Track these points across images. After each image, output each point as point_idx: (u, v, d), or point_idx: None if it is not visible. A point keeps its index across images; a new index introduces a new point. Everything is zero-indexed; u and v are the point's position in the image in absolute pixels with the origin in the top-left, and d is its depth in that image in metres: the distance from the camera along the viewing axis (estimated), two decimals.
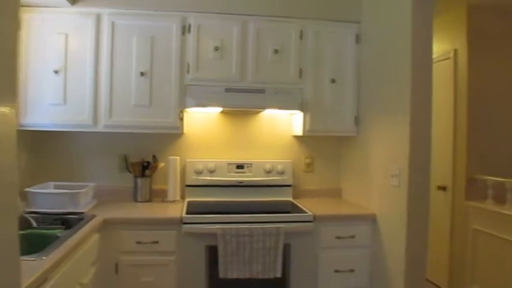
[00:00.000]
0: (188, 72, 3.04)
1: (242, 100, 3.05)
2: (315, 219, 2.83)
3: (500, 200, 3.57)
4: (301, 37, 3.18)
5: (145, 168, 3.23)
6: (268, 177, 3.38)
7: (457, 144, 4.04)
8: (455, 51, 4.07)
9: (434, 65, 4.34)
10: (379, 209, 2.91)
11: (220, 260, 2.66)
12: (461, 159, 3.96)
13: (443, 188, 4.20)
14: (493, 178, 3.66)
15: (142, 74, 2.98)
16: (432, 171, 4.25)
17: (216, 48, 3.05)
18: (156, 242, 2.66)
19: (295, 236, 2.81)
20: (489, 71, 3.97)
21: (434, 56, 4.34)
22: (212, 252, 2.71)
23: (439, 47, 4.30)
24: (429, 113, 2.59)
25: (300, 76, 3.17)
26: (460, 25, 4.02)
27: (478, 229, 3.72)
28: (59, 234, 2.11)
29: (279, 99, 3.08)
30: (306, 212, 2.88)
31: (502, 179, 3.56)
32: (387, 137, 2.84)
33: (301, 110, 3.17)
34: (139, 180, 3.20)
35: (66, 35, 2.91)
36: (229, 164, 3.35)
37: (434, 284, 4.30)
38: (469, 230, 3.84)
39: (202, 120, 3.43)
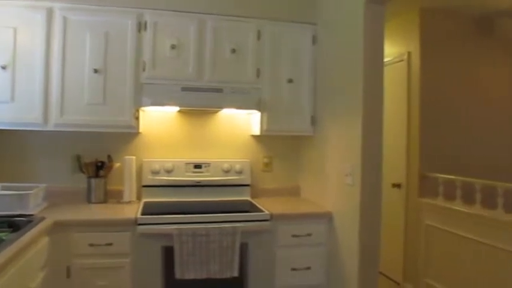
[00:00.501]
0: (144, 70, 2.98)
1: (199, 99, 3.02)
2: (272, 218, 2.84)
3: (450, 196, 3.69)
4: (258, 37, 3.18)
5: (99, 169, 3.15)
6: (226, 176, 3.36)
7: (410, 144, 4.15)
8: (409, 53, 4.19)
9: (389, 67, 4.47)
10: (335, 207, 2.95)
11: (177, 260, 2.63)
12: (414, 157, 4.08)
13: (397, 186, 4.31)
14: (444, 176, 3.79)
15: (95, 71, 2.90)
16: (387, 169, 4.36)
17: (173, 47, 3.01)
18: (110, 244, 2.59)
19: (252, 235, 2.81)
20: (440, 72, 4.11)
21: (389, 58, 4.47)
22: (168, 253, 2.67)
23: (394, 50, 4.41)
24: (380, 113, 2.65)
25: (258, 76, 3.17)
26: (413, 28, 4.13)
27: (430, 224, 3.84)
28: (4, 238, 2.02)
29: (236, 99, 3.07)
30: (263, 211, 2.88)
31: (452, 177, 3.69)
32: (341, 136, 2.88)
33: (259, 109, 3.17)
34: (93, 181, 3.11)
35: (15, 29, 2.78)
36: (187, 163, 3.31)
37: (390, 278, 4.41)
38: (421, 225, 3.96)
39: (159, 119, 3.38)
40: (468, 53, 4.25)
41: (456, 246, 3.53)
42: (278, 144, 3.61)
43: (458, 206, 3.54)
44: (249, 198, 3.37)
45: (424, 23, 4.05)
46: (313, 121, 3.30)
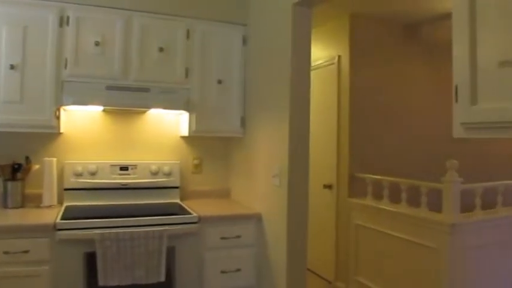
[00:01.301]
0: (66, 67, 2.88)
1: (125, 99, 2.96)
2: (200, 220, 2.84)
3: (379, 196, 3.86)
4: (188, 36, 3.18)
5: (16, 171, 3.00)
6: (154, 179, 3.32)
7: (341, 145, 4.31)
8: (339, 57, 4.34)
9: (321, 70, 4.62)
10: (264, 208, 3.00)
11: (100, 266, 2.56)
12: (345, 159, 4.23)
13: (329, 187, 4.45)
14: (372, 176, 3.96)
15: (12, 67, 2.77)
16: (319, 171, 4.51)
17: (97, 43, 2.93)
18: (27, 252, 2.48)
19: (179, 239, 2.80)
20: (368, 75, 4.30)
21: (320, 61, 4.61)
22: (91, 260, 2.60)
23: (326, 53, 4.55)
24: (307, 115, 2.73)
25: (186, 76, 3.16)
26: (343, 33, 4.29)
27: (360, 224, 4.00)
28: None
29: (164, 99, 3.05)
30: (190, 214, 2.87)
31: (380, 177, 3.87)
32: (270, 137, 2.94)
33: (187, 110, 3.16)
34: (9, 184, 2.96)
35: None
36: (112, 165, 3.24)
37: (322, 277, 4.55)
38: (351, 225, 4.11)
39: (82, 119, 3.28)
40: (395, 58, 4.48)
41: (384, 245, 3.70)
42: (208, 146, 3.62)
43: (385, 205, 3.72)
44: (178, 201, 3.35)
45: (353, 28, 4.22)
46: (243, 122, 3.34)
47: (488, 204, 3.46)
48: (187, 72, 3.17)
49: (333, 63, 4.42)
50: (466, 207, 3.28)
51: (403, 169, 4.38)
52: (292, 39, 2.68)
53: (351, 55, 4.20)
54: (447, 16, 4.11)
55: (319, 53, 4.65)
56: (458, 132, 1.21)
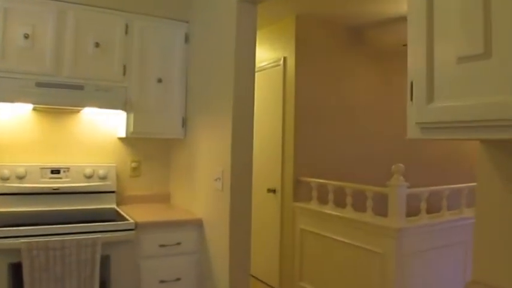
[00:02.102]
0: None
1: (57, 97, 2.80)
2: (137, 227, 2.73)
3: (324, 200, 3.89)
4: (126, 32, 3.06)
5: None
6: (88, 183, 3.17)
7: (285, 149, 4.32)
8: (285, 58, 4.35)
9: (266, 72, 4.61)
10: (206, 213, 2.93)
11: (26, 278, 2.40)
12: (289, 163, 4.25)
13: (273, 191, 4.44)
14: (317, 180, 3.99)
15: None
16: (263, 175, 4.50)
17: (27, 36, 2.76)
18: None
19: (115, 247, 2.68)
20: (314, 78, 4.34)
21: (266, 62, 4.61)
22: (16, 271, 2.42)
23: (271, 54, 4.55)
24: (251, 117, 2.70)
25: (124, 73, 3.05)
26: (289, 34, 4.31)
27: (304, 229, 4.02)
28: None
29: (99, 98, 2.92)
30: (127, 220, 2.76)
31: (325, 181, 3.90)
32: (212, 140, 2.88)
33: (125, 109, 3.04)
34: None
35: None
36: (42, 168, 3.05)
37: (267, 284, 4.52)
38: (296, 230, 4.12)
39: (10, 119, 3.07)
40: (342, 61, 4.55)
41: (329, 250, 3.73)
42: (147, 148, 3.50)
43: (330, 210, 3.75)
44: (114, 206, 3.21)
45: (300, 29, 4.25)
46: (184, 123, 3.26)
47: (434, 208, 3.58)
48: (125, 70, 3.05)
49: (278, 65, 4.43)
50: (413, 210, 3.37)
51: (351, 173, 4.46)
52: (237, 37, 2.64)
53: (297, 57, 4.23)
54: (391, 21, 4.24)
55: (265, 55, 4.65)
56: (413, 133, 1.19)
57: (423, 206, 3.37)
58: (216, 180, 2.76)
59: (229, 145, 2.63)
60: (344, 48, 4.60)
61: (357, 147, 4.69)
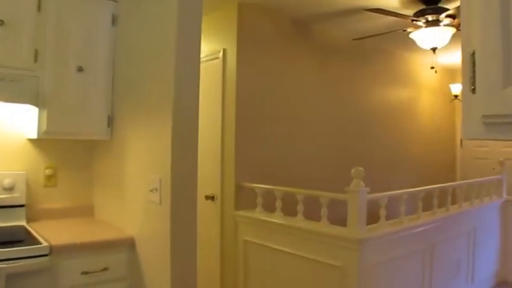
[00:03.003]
0: None
1: None
2: (53, 251, 2.19)
3: (272, 208, 3.53)
4: (39, 8, 2.49)
5: None
6: None
7: (225, 150, 3.90)
8: (225, 51, 3.94)
9: (203, 65, 4.15)
10: (139, 231, 2.45)
11: None
12: (230, 166, 3.84)
13: (211, 198, 4.02)
14: (262, 186, 3.62)
15: None
16: (200, 179, 4.06)
17: None
18: None
19: (24, 278, 2.13)
20: (257, 73, 3.97)
21: (203, 55, 4.16)
22: None
23: (210, 46, 4.12)
24: (195, 115, 2.27)
25: (36, 60, 2.47)
26: (230, 23, 3.90)
27: (249, 240, 3.63)
28: None
29: (3, 89, 2.34)
30: (39, 243, 2.21)
31: (271, 187, 3.54)
32: (147, 142, 2.41)
33: (36, 104, 2.47)
34: None
35: None
36: None
37: None
38: (239, 241, 3.73)
39: None
40: (287, 55, 4.23)
41: (278, 263, 3.37)
42: (65, 151, 2.93)
43: (278, 219, 3.40)
44: (23, 224, 2.62)
45: (242, 19, 3.85)
46: (111, 122, 2.74)
47: (389, 213, 3.32)
48: (36, 55, 2.47)
49: (217, 58, 4.00)
50: (368, 217, 3.09)
51: (301, 177, 4.16)
52: (179, 20, 2.19)
53: (239, 49, 3.83)
54: (339, 14, 3.98)
55: (202, 46, 4.19)
56: (474, 131, 0.83)
57: (383, 212, 3.11)
58: (151, 191, 2.29)
59: (169, 148, 2.17)
60: (290, 42, 4.27)
61: (306, 148, 4.39)
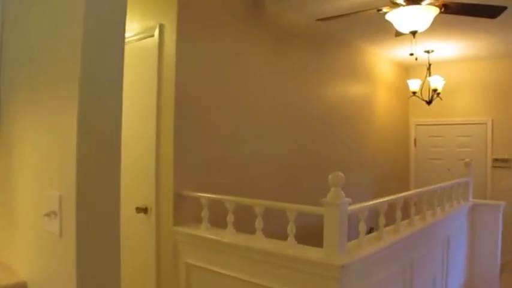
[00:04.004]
0: None
1: None
2: None
3: (220, 223, 2.80)
4: None
5: None
6: None
7: (162, 152, 3.12)
8: (162, 27, 3.14)
9: (132, 46, 3.35)
10: (32, 273, 1.62)
11: None
12: (167, 171, 3.06)
13: (144, 210, 3.21)
14: (208, 195, 2.88)
15: None
16: (129, 188, 3.23)
17: None
18: None
19: None
20: (203, 56, 3.22)
21: (132, 33, 3.32)
22: None
23: (141, 22, 3.32)
24: (117, 97, 1.49)
25: None
26: None
27: (192, 263, 2.88)
28: None
29: None
30: None
31: (220, 196, 2.81)
32: (43, 142, 1.59)
33: None
34: None
35: None
36: None
37: None
38: (180, 264, 2.96)
39: None
40: (236, 37, 3.54)
41: None
42: None
43: (229, 237, 2.67)
44: None
45: None
46: None
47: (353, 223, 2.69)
48: None
49: (151, 36, 3.19)
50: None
51: (253, 182, 3.48)
52: None
53: (180, 26, 3.04)
54: None
55: (131, 23, 3.37)
56: None
57: (363, 227, 2.46)
58: (48, 215, 1.46)
59: (71, 148, 1.36)
60: (241, 21, 3.57)
61: (259, 148, 3.70)
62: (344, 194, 2.24)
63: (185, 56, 3.08)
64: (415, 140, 6.46)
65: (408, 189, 6.28)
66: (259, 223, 2.58)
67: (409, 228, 3.05)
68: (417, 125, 6.43)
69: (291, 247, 2.41)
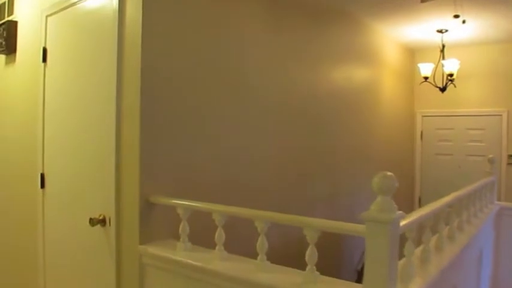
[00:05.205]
0: None
1: None
2: None
3: (205, 242, 2.01)
4: None
5: None
6: None
7: (123, 144, 2.30)
8: None
9: (79, 12, 2.52)
10: None
11: None
12: (131, 169, 2.24)
13: (101, 222, 2.39)
14: (189, 203, 2.07)
15: None
16: (80, 192, 2.44)
17: None
18: None
19: None
20: (178, 26, 2.40)
21: None
22: None
23: None
24: None
25: None
26: None
27: None
28: None
29: None
30: None
31: (205, 205, 2.01)
32: None
33: None
34: None
35: None
36: None
37: None
38: None
39: None
40: (221, 5, 2.71)
41: None
42: None
43: (218, 264, 1.87)
44: None
45: None
46: None
47: None
48: None
49: None
50: None
51: (243, 183, 2.72)
52: None
53: None
54: None
55: None
56: None
57: (410, 248, 1.70)
58: None
59: None
60: None
61: (249, 141, 2.92)
62: (396, 207, 1.47)
63: (154, 23, 2.25)
64: (421, 132, 5.75)
65: (413, 189, 5.60)
66: (262, 244, 1.78)
67: (455, 246, 2.32)
68: (424, 116, 5.71)
69: (312, 281, 1.62)
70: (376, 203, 1.46)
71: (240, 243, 2.09)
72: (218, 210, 1.91)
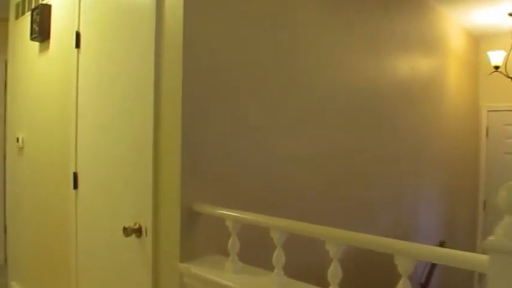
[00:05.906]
0: None
1: None
2: None
3: (261, 262, 1.64)
4: None
5: None
6: None
7: (162, 146, 1.95)
8: None
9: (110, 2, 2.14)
10: None
11: None
12: (171, 172, 1.89)
13: (137, 231, 2.06)
14: (241, 215, 1.70)
15: None
16: (112, 197, 2.10)
17: None
18: None
19: None
20: (224, 19, 2.04)
21: None
22: None
23: None
24: None
25: None
26: None
27: None
28: None
29: None
30: None
31: (261, 219, 1.64)
32: None
33: None
34: None
35: None
36: None
37: None
38: None
39: None
40: None
41: None
42: None
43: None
44: None
45: None
46: None
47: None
48: None
49: None
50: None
51: (289, 191, 2.33)
52: None
53: None
54: None
55: None
56: None
57: None
58: None
59: None
60: None
61: (301, 142, 2.52)
62: None
63: (199, 18, 1.89)
64: (487, 129, 5.18)
65: (477, 191, 5.07)
66: (335, 272, 1.39)
67: None
68: (489, 110, 5.15)
69: None
70: (503, 226, 1.04)
71: (298, 263, 1.72)
72: (279, 226, 1.53)
